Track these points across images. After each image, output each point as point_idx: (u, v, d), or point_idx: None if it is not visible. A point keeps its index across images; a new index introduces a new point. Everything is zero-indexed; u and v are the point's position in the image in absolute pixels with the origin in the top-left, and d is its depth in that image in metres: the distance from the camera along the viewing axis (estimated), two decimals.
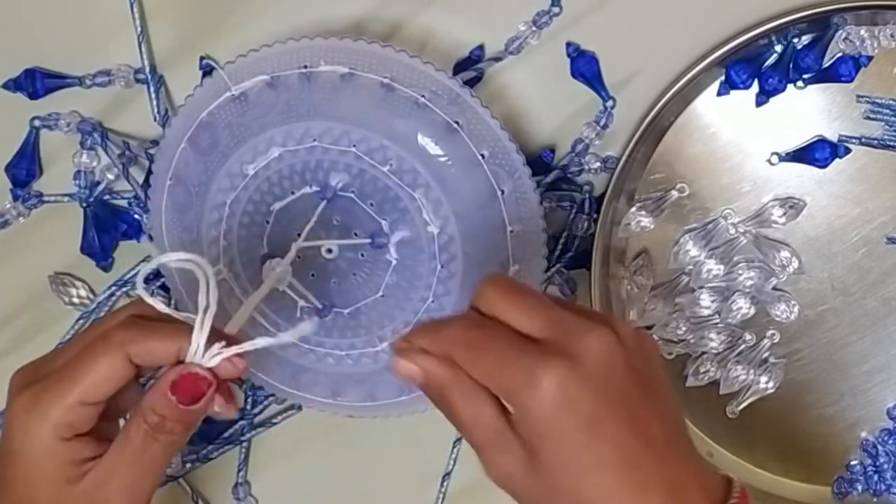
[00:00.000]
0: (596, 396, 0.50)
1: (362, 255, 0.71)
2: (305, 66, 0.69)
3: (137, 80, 0.76)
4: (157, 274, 0.75)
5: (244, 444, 0.78)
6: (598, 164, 0.76)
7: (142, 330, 0.55)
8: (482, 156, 0.69)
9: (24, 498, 0.55)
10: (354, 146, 0.70)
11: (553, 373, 0.50)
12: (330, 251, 0.71)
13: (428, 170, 0.69)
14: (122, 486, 0.55)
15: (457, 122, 0.69)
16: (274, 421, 0.78)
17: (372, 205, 0.70)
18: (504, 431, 0.52)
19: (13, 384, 0.57)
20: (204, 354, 0.55)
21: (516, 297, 0.53)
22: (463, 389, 0.52)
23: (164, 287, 0.76)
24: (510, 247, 0.70)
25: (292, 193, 0.71)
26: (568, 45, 0.75)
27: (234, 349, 0.55)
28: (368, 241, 0.71)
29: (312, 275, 0.71)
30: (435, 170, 0.69)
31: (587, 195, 0.76)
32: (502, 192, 0.70)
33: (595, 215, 0.76)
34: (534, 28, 0.75)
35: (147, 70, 0.75)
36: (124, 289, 0.77)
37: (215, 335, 0.56)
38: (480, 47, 0.75)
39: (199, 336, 0.55)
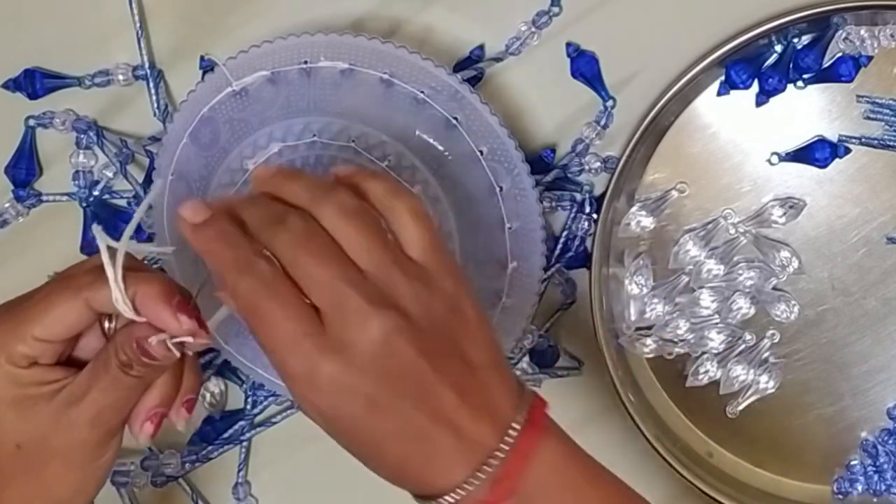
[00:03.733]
0: (373, 381, 0.51)
1: None
2: (306, 62, 0.69)
3: (136, 77, 0.76)
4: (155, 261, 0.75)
5: (244, 444, 0.78)
6: (598, 163, 0.76)
7: (103, 277, 0.55)
8: (481, 152, 0.69)
9: None
10: (353, 141, 0.70)
11: (327, 369, 0.51)
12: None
13: (427, 166, 0.69)
14: (92, 408, 0.55)
15: (456, 119, 0.69)
16: (273, 421, 0.78)
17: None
18: (304, 399, 0.53)
19: None
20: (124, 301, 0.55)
21: (310, 262, 0.52)
22: (272, 360, 0.53)
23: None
24: (508, 243, 0.71)
25: None
26: (568, 45, 0.75)
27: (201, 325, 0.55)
28: None
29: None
30: (434, 166, 0.69)
31: (587, 195, 0.76)
32: (501, 188, 0.70)
33: (595, 215, 0.76)
34: (533, 29, 0.75)
35: (146, 66, 0.75)
36: None
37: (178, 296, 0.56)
38: (481, 47, 0.75)
39: (115, 284, 0.54)
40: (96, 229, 0.56)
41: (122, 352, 0.55)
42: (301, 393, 0.52)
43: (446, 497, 0.52)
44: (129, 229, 0.56)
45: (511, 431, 0.53)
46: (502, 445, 0.52)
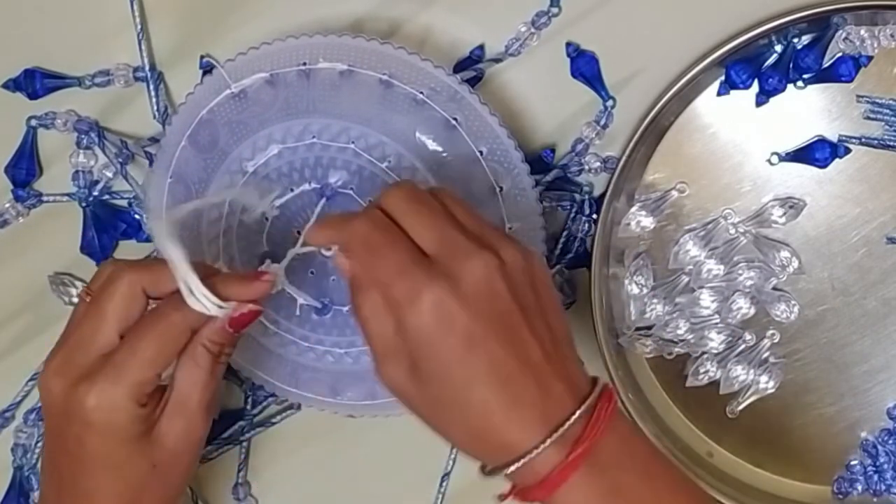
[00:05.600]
0: (473, 316, 0.55)
1: None
2: (305, 64, 0.69)
3: (137, 79, 0.76)
4: None
5: (244, 444, 0.78)
6: (598, 163, 0.76)
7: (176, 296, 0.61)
8: (480, 152, 0.69)
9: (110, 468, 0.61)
10: (353, 143, 0.70)
11: (433, 292, 0.55)
12: (329, 248, 0.71)
13: (426, 166, 0.69)
14: (202, 405, 0.62)
15: (455, 119, 0.69)
16: (273, 421, 0.78)
17: (370, 202, 0.70)
18: (398, 344, 0.56)
19: (53, 385, 0.61)
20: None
21: (417, 209, 0.58)
22: (374, 302, 0.57)
23: None
24: None
25: (291, 190, 0.71)
26: (568, 45, 0.75)
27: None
28: None
29: (312, 272, 0.72)
30: (433, 166, 0.69)
31: (587, 196, 0.76)
32: (501, 188, 0.70)
33: (595, 216, 0.76)
34: (533, 29, 0.75)
35: (147, 67, 0.75)
36: None
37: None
38: (481, 47, 0.75)
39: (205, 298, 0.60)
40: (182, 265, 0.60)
41: (212, 343, 0.61)
42: (405, 319, 0.55)
43: (525, 457, 0.55)
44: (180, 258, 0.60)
45: (589, 399, 0.56)
46: (580, 410, 0.55)
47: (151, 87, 0.76)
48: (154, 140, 0.75)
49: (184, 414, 0.62)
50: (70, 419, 0.60)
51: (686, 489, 0.59)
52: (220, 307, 0.61)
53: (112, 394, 0.59)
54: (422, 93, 0.69)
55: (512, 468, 0.55)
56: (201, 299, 0.60)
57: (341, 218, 0.60)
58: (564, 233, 0.76)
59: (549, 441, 0.54)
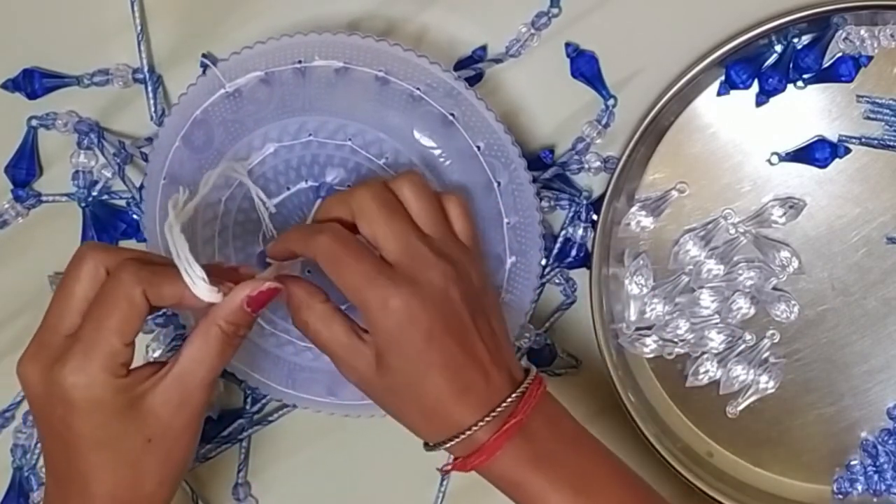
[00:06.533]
0: (432, 316, 0.62)
1: None
2: (300, 62, 0.69)
3: (136, 80, 0.76)
4: None
5: (244, 444, 0.78)
6: (598, 163, 0.76)
7: (154, 275, 0.61)
8: (478, 148, 0.70)
9: (101, 440, 0.61)
10: (350, 140, 0.70)
11: (401, 297, 0.61)
12: None
13: (424, 162, 0.69)
14: (208, 380, 0.62)
15: (452, 115, 0.69)
16: (270, 419, 0.78)
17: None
18: (355, 344, 0.63)
19: (30, 372, 0.61)
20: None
21: (383, 219, 0.63)
22: (319, 314, 0.64)
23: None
24: (507, 238, 0.71)
25: (288, 189, 0.71)
26: (567, 45, 0.75)
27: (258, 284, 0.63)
28: None
29: (308, 271, 0.71)
30: (431, 162, 0.69)
31: (585, 202, 0.76)
32: (498, 183, 0.70)
33: (594, 217, 0.75)
34: (533, 30, 0.75)
35: (145, 70, 0.75)
36: None
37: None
38: (483, 48, 0.75)
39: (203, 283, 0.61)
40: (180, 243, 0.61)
41: (227, 324, 0.62)
42: (376, 320, 0.62)
43: (467, 431, 0.62)
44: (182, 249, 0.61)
45: (523, 385, 0.64)
46: (516, 392, 0.63)
47: (150, 89, 0.76)
48: (150, 140, 0.75)
49: (182, 388, 0.61)
50: (52, 403, 0.60)
51: (610, 464, 0.65)
52: (211, 289, 0.61)
53: (86, 369, 0.59)
54: (418, 89, 0.69)
55: (454, 442, 0.63)
56: (201, 288, 0.61)
57: (305, 233, 0.65)
58: (563, 232, 0.76)
59: (488, 417, 0.62)
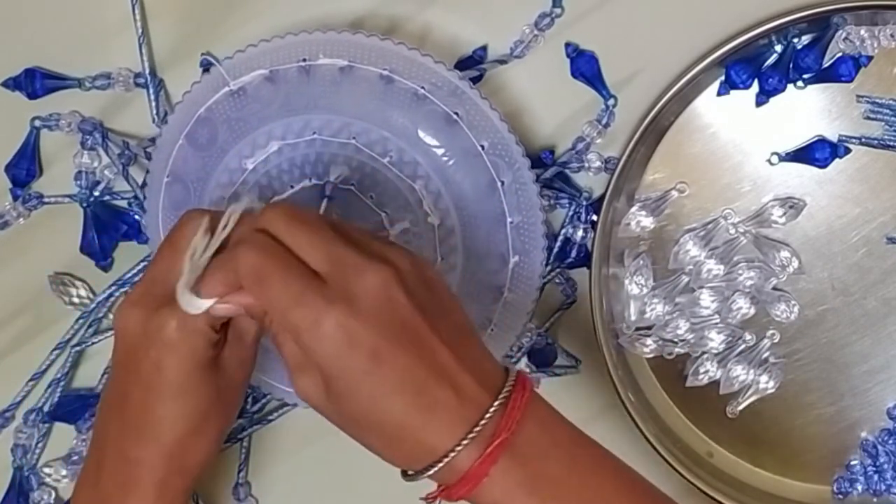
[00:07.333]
0: (376, 331, 0.54)
1: None
2: (304, 60, 0.69)
3: (137, 84, 0.76)
4: None
5: (245, 444, 0.78)
6: (598, 163, 0.76)
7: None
8: (482, 147, 0.70)
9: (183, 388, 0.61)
10: (354, 138, 0.70)
11: (332, 317, 0.54)
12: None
13: (428, 161, 0.70)
14: (255, 339, 0.64)
15: (456, 114, 0.69)
16: (270, 418, 0.78)
17: (372, 197, 0.71)
18: (306, 361, 0.56)
19: (132, 314, 0.62)
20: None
21: (299, 227, 0.57)
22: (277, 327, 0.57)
23: None
24: (510, 238, 0.71)
25: (291, 187, 0.71)
26: (567, 45, 0.75)
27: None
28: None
29: None
30: (435, 161, 0.70)
31: (585, 203, 0.76)
32: (502, 183, 0.70)
33: (593, 219, 0.75)
34: (536, 31, 0.75)
35: (147, 73, 0.75)
36: (124, 289, 0.77)
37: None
38: (484, 48, 0.75)
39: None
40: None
41: None
42: (308, 345, 0.55)
43: (445, 458, 0.55)
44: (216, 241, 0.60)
45: (504, 392, 0.56)
46: (496, 403, 0.55)
47: (152, 92, 0.76)
48: (154, 141, 0.75)
49: (241, 344, 0.63)
50: (149, 344, 0.61)
51: (614, 473, 0.58)
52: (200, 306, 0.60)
53: (195, 317, 0.59)
54: (423, 88, 0.69)
55: (433, 470, 0.56)
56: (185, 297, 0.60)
57: (227, 254, 0.59)
58: (563, 231, 0.76)
59: (467, 439, 0.55)
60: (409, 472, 0.57)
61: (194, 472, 0.64)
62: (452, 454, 0.55)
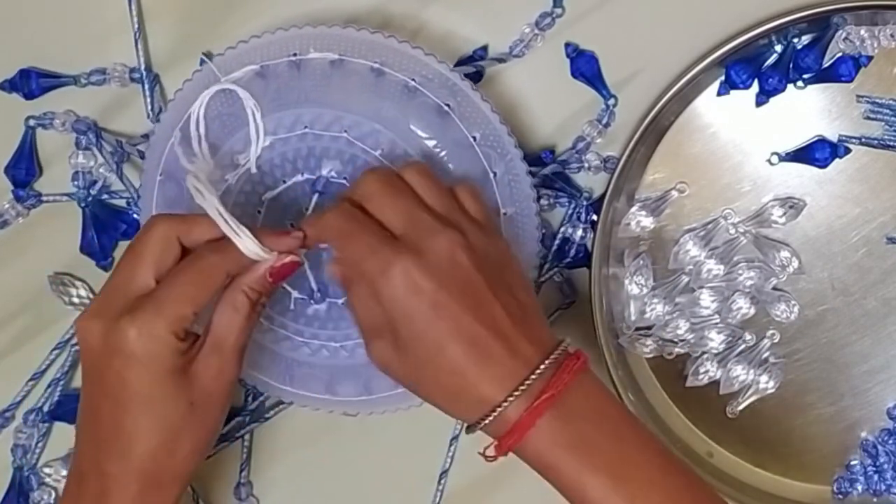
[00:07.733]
0: (438, 284, 0.60)
1: None
2: (295, 54, 0.69)
3: (133, 80, 0.76)
4: None
5: (246, 443, 0.78)
6: (598, 162, 0.76)
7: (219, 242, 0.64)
8: (474, 138, 0.70)
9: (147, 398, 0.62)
10: (346, 131, 0.70)
11: (401, 264, 0.60)
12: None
13: (420, 153, 0.70)
14: (238, 348, 0.64)
15: (447, 106, 0.69)
16: (267, 416, 0.78)
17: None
18: (380, 321, 0.62)
19: (93, 326, 0.63)
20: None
21: (384, 193, 0.63)
22: (355, 283, 0.63)
23: None
24: (503, 229, 0.71)
25: (284, 182, 0.71)
26: (567, 45, 0.75)
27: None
28: None
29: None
30: (427, 153, 0.69)
31: (584, 203, 0.76)
32: (494, 174, 0.70)
33: (593, 219, 0.75)
34: (536, 31, 0.75)
35: (142, 69, 0.75)
36: None
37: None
38: (484, 48, 0.75)
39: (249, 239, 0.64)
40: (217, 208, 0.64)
41: (251, 290, 0.64)
42: (380, 290, 0.61)
43: (497, 408, 0.60)
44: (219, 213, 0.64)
45: (554, 355, 0.61)
46: (547, 362, 0.61)
47: (147, 88, 0.76)
48: (147, 137, 0.75)
49: (219, 354, 0.64)
50: (111, 356, 0.62)
51: (652, 448, 0.61)
52: (264, 251, 0.64)
53: (153, 325, 0.61)
54: (413, 80, 0.69)
55: (486, 421, 0.60)
56: (247, 242, 0.63)
57: (314, 217, 0.65)
58: (562, 229, 0.76)
59: (517, 392, 0.60)
60: (467, 425, 0.62)
61: (174, 486, 0.64)
62: (504, 404, 0.60)
